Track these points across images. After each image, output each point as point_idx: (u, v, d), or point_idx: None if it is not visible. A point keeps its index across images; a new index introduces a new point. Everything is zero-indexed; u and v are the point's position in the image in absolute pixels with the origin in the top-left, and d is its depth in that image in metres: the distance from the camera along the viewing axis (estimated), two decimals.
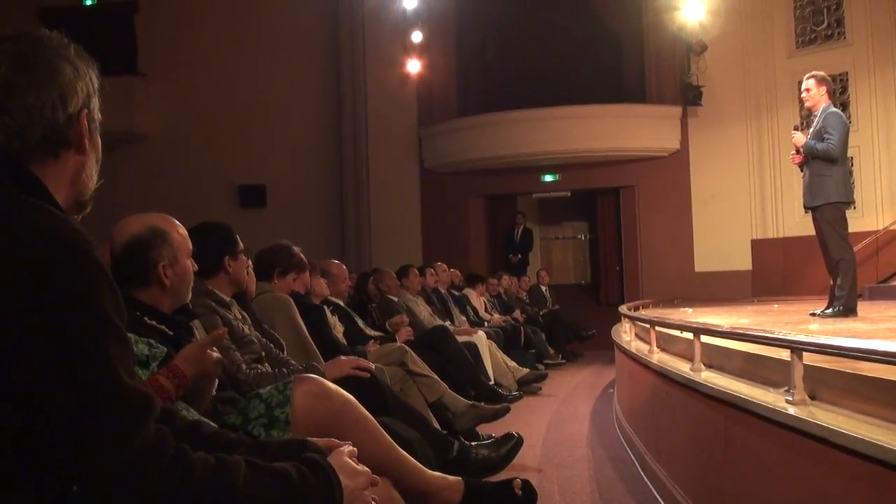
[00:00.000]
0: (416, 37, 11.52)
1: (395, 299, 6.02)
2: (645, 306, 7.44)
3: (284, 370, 2.82)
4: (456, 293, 8.11)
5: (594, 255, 13.25)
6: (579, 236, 13.96)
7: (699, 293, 10.02)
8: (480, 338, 6.21)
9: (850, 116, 9.51)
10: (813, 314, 5.04)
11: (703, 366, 2.78)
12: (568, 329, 9.81)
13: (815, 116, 5.20)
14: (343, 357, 3.14)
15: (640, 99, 11.59)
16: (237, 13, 12.36)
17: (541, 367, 7.43)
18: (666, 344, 3.63)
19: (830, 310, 4.95)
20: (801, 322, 4.71)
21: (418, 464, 2.20)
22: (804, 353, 1.95)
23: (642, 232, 11.67)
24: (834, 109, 5.15)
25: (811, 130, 5.17)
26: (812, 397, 1.94)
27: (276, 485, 1.19)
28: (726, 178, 11.24)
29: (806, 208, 5.29)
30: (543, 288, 11.26)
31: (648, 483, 3.22)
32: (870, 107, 10.29)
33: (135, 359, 1.71)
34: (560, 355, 8.94)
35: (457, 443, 3.22)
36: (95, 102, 1.23)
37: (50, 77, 1.15)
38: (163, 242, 2.02)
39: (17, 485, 1.04)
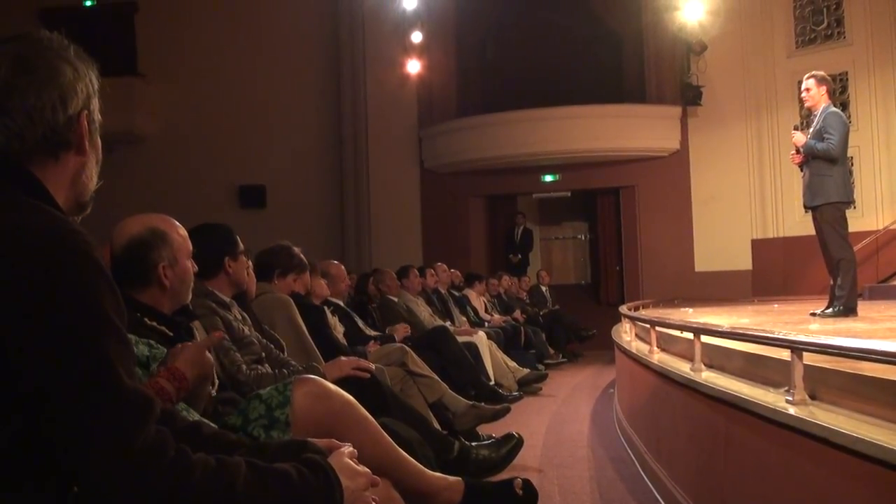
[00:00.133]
0: (416, 37, 11.53)
1: (396, 300, 6.02)
2: (645, 306, 7.44)
3: (285, 371, 2.82)
4: (456, 293, 8.11)
5: (594, 256, 13.25)
6: (579, 236, 13.96)
7: (699, 293, 10.02)
8: (481, 338, 6.21)
9: (849, 116, 9.51)
10: (813, 314, 5.04)
11: (703, 366, 2.78)
12: (568, 329, 9.81)
13: (815, 116, 5.20)
14: (343, 357, 3.14)
15: (640, 99, 11.59)
16: (237, 14, 12.36)
17: (541, 367, 7.43)
18: (666, 344, 3.63)
19: (831, 309, 4.95)
20: (802, 322, 4.71)
21: (418, 464, 2.20)
22: (804, 353, 1.95)
23: (642, 232, 11.67)
24: (834, 109, 5.15)
25: (811, 130, 5.17)
26: (812, 397, 1.94)
27: (276, 486, 1.19)
28: (726, 177, 11.24)
29: (806, 208, 5.29)
30: (543, 288, 11.26)
31: (649, 483, 3.22)
32: (870, 106, 10.29)
33: (135, 360, 1.71)
34: (560, 355, 8.94)
35: (457, 443, 3.22)
36: (95, 103, 1.23)
37: (50, 78, 1.15)
38: (163, 243, 2.01)
39: (17, 485, 1.04)
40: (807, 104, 5.38)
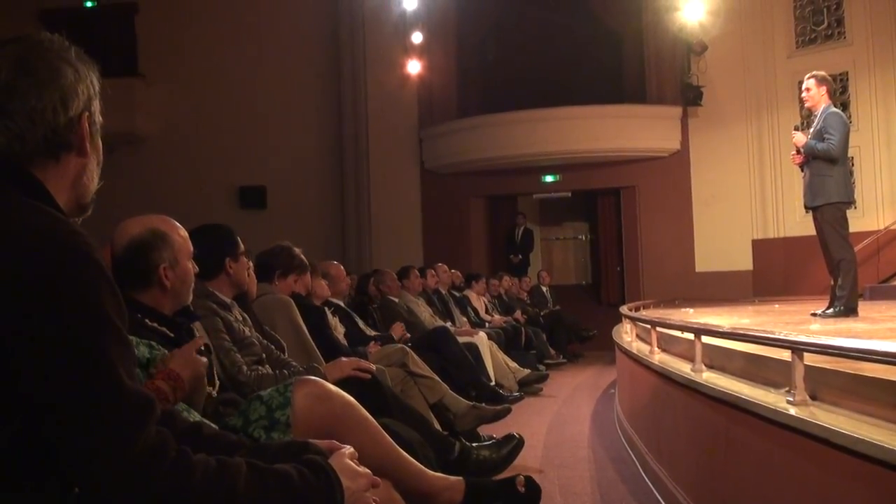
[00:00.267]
0: (417, 38, 11.54)
1: (396, 300, 6.02)
2: (646, 307, 7.45)
3: (285, 372, 2.82)
4: (457, 294, 8.11)
5: (595, 256, 13.26)
6: (580, 237, 13.97)
7: (700, 293, 10.02)
8: (481, 338, 6.21)
9: (850, 116, 9.51)
10: (814, 314, 5.04)
11: (704, 366, 2.77)
12: (569, 330, 9.80)
13: (816, 116, 5.20)
14: (344, 358, 3.13)
15: (640, 99, 11.59)
16: (237, 14, 12.37)
17: (542, 367, 7.43)
18: (667, 344, 3.63)
19: (831, 310, 4.95)
20: (802, 322, 4.71)
21: (419, 465, 2.20)
22: (805, 354, 1.95)
23: (643, 232, 11.67)
24: (834, 109, 5.15)
25: (811, 130, 5.17)
26: (813, 398, 1.94)
27: (277, 486, 1.19)
28: (727, 178, 11.23)
29: (806, 208, 5.29)
30: (544, 288, 11.26)
31: (649, 484, 3.22)
32: (870, 106, 10.29)
33: (136, 361, 1.71)
34: (561, 356, 8.93)
35: (458, 444, 3.22)
36: (96, 105, 1.23)
37: (51, 80, 1.15)
38: (163, 244, 2.01)
39: (18, 486, 1.04)
40: (807, 104, 5.39)
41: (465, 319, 7.46)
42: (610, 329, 6.13)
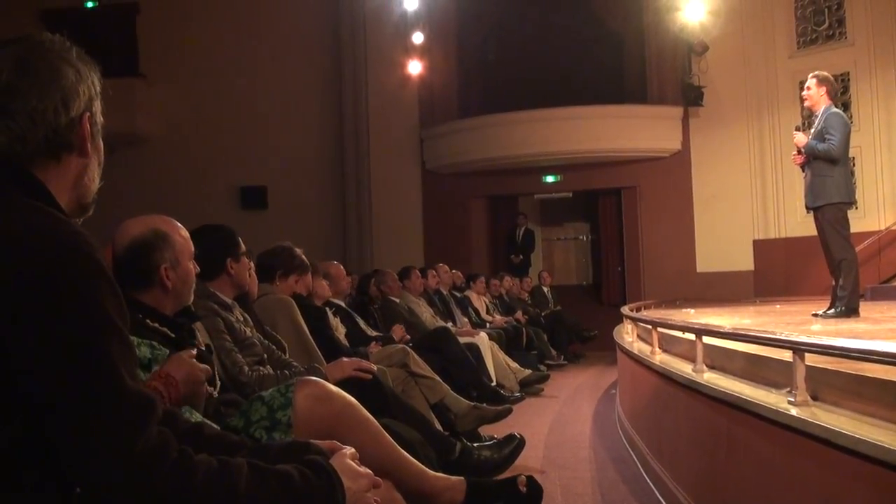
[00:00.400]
0: (417, 38, 11.54)
1: (397, 301, 6.02)
2: (647, 307, 7.44)
3: (286, 372, 2.82)
4: (458, 294, 8.11)
5: (596, 256, 13.25)
6: (581, 237, 13.96)
7: (701, 294, 10.02)
8: (482, 339, 6.21)
9: (851, 116, 9.51)
10: (815, 315, 5.04)
11: (705, 367, 2.77)
12: (570, 330, 9.80)
13: (816, 117, 5.20)
14: (345, 358, 3.14)
15: (641, 99, 11.59)
16: (238, 15, 12.38)
17: (543, 368, 7.43)
18: (668, 345, 3.63)
19: (832, 310, 4.95)
20: (804, 323, 4.71)
21: (420, 465, 2.20)
22: (806, 354, 1.95)
23: (644, 232, 11.66)
24: (835, 110, 5.14)
25: (812, 131, 5.17)
26: (814, 398, 1.94)
27: (278, 487, 1.19)
28: (728, 178, 11.23)
29: (808, 209, 5.29)
30: (545, 289, 11.25)
31: (651, 484, 3.22)
32: (871, 107, 10.28)
33: (137, 361, 1.71)
34: (562, 356, 8.93)
35: (459, 444, 3.22)
36: (98, 105, 1.23)
37: (52, 80, 1.15)
38: (165, 244, 2.01)
39: (18, 486, 1.04)
40: (806, 104, 5.39)
41: (466, 320, 7.46)
42: (611, 329, 6.13)
